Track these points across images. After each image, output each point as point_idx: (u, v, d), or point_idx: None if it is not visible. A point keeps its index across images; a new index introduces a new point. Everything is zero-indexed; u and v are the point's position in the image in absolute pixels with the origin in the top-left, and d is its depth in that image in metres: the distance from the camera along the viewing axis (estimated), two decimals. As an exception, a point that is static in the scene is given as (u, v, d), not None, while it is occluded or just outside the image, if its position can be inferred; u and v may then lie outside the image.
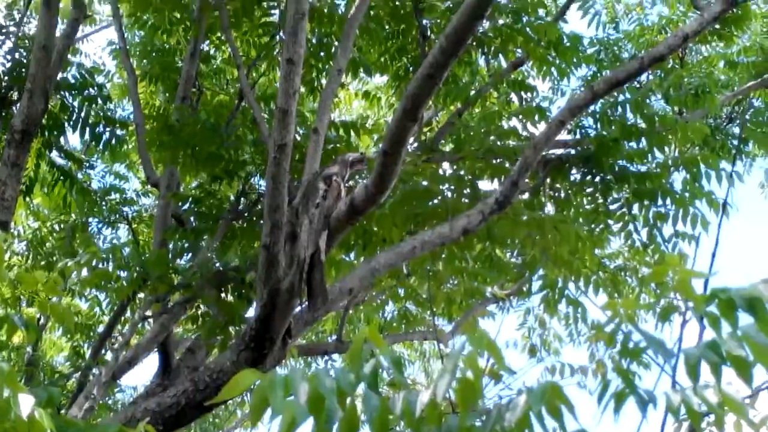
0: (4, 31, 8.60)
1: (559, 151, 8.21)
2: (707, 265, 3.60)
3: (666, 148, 8.11)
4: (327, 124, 6.82)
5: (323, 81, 8.27)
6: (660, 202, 7.92)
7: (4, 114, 8.58)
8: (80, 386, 7.49)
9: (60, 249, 10.00)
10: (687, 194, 7.83)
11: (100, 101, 8.84)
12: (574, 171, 8.19)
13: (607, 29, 9.92)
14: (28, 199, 9.58)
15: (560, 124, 6.64)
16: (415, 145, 8.28)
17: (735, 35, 9.28)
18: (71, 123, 8.80)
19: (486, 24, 8.07)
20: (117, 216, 10.27)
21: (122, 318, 8.37)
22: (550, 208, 8.23)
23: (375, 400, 2.26)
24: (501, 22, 8.12)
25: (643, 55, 6.88)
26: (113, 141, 8.96)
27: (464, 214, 6.61)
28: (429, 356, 13.77)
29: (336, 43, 7.93)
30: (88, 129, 8.82)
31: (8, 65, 8.57)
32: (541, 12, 8.36)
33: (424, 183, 7.67)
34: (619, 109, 8.12)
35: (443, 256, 7.93)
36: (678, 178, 8.01)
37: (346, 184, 6.06)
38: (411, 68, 8.53)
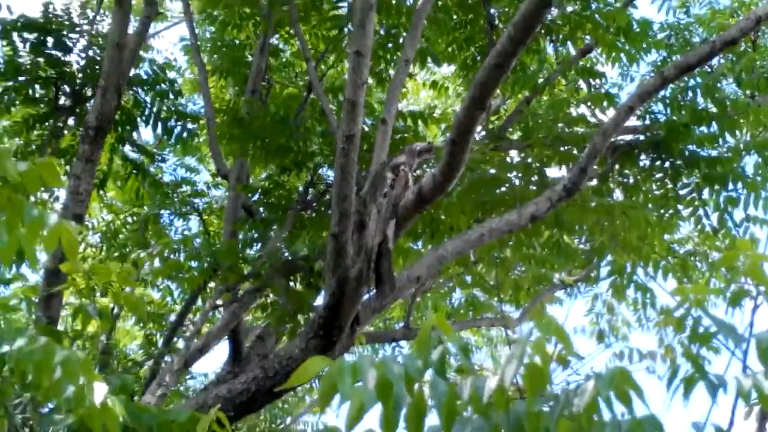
0: (78, 29, 8.75)
1: (629, 137, 8.12)
2: (779, 250, 3.55)
3: (737, 132, 7.98)
4: (395, 114, 6.84)
5: (391, 72, 8.29)
6: (731, 186, 7.80)
7: (78, 111, 8.76)
8: (153, 374, 7.61)
9: (133, 240, 10.15)
10: (758, 178, 7.71)
11: (171, 96, 8.98)
12: (643, 157, 8.09)
13: (678, 14, 9.76)
14: (102, 192, 9.74)
15: (629, 110, 6.57)
16: (483, 133, 8.26)
17: (810, 16, 9.06)
18: (143, 118, 8.95)
19: (554, 11, 8.02)
20: (188, 208, 10.39)
21: (193, 307, 8.48)
22: (618, 194, 8.16)
23: (443, 386, 2.26)
24: (569, 9, 8.06)
25: (715, 39, 6.76)
26: (184, 135, 9.10)
27: (532, 201, 6.59)
28: (496, 342, 13.71)
29: (404, 34, 7.95)
30: (160, 123, 8.97)
31: (82, 63, 8.72)
32: (610, -2, 8.28)
33: (492, 171, 7.65)
34: (690, 93, 8.00)
35: (511, 243, 7.91)
36: (750, 162, 7.90)
37: (414, 174, 6.08)
38: (479, 57, 8.51)
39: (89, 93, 8.62)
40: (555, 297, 9.75)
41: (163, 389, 6.61)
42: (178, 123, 9.01)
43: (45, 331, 3.88)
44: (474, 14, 8.43)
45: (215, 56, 9.57)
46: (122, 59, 7.37)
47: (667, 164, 7.99)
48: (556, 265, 8.54)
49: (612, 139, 6.92)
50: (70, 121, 8.93)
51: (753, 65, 8.40)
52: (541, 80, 8.41)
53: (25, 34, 8.52)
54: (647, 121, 8.18)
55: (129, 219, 10.84)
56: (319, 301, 6.83)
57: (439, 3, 8.14)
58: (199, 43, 9.26)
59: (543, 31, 8.19)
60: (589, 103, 8.09)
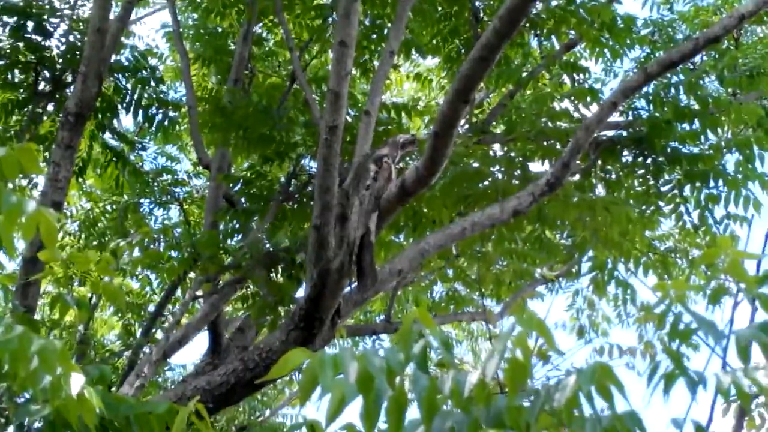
0: (58, 14, 8.68)
1: (611, 133, 8.15)
2: (759, 248, 3.56)
3: (719, 130, 8.02)
4: (378, 105, 6.82)
5: (375, 63, 8.28)
6: (712, 183, 7.86)
7: (58, 96, 8.69)
8: (131, 364, 7.58)
9: (112, 229, 10.11)
10: (739, 176, 7.75)
11: (153, 83, 8.90)
12: (625, 152, 8.13)
13: (662, 10, 9.77)
14: (81, 180, 9.68)
15: (612, 105, 6.58)
16: (467, 126, 8.26)
17: (793, 15, 9.10)
18: (124, 105, 8.87)
19: (539, 5, 8.02)
20: (168, 197, 10.35)
21: (173, 297, 8.45)
22: (600, 190, 8.19)
23: (424, 379, 2.26)
24: (554, 3, 8.07)
25: (698, 36, 6.78)
26: (166, 123, 9.02)
27: (515, 195, 6.59)
28: (477, 336, 13.74)
29: (389, 24, 7.92)
30: (140, 111, 8.89)
31: (63, 48, 8.64)
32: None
33: (475, 164, 7.66)
34: (673, 90, 8.04)
35: (493, 237, 7.91)
36: (731, 160, 7.94)
37: (397, 166, 6.07)
38: (463, 50, 8.50)
39: (69, 79, 8.54)
40: (536, 292, 9.78)
41: (141, 380, 6.58)
42: (160, 111, 8.94)
43: (22, 320, 3.84)
44: (459, 6, 8.42)
45: (198, 44, 9.52)
46: (103, 45, 7.30)
47: (649, 160, 8.03)
48: (538, 260, 8.54)
49: (595, 135, 6.93)
50: (50, 107, 8.84)
51: (735, 63, 8.45)
52: (525, 74, 8.42)
53: (5, 18, 8.43)
54: (630, 117, 8.21)
55: (108, 207, 10.79)
56: (300, 293, 6.83)
57: (424, -6, 8.14)
58: (181, 30, 9.19)
59: (527, 25, 8.18)
60: (572, 98, 8.11)
